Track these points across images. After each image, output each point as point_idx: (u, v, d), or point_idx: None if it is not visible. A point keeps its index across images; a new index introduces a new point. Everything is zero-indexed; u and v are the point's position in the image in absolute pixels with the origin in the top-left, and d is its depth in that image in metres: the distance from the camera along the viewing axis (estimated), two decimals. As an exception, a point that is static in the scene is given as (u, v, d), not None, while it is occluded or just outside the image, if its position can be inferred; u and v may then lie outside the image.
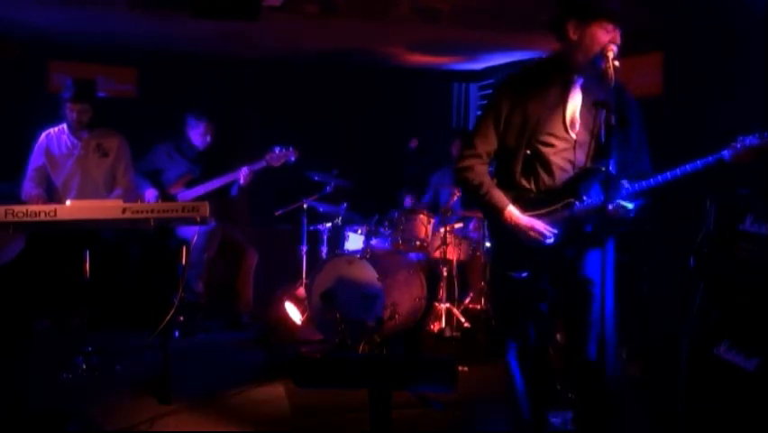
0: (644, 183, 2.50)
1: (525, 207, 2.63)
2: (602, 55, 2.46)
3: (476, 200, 2.74)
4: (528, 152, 2.61)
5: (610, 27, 2.50)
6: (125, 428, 3.33)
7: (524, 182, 2.65)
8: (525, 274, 2.65)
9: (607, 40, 2.48)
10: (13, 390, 3.72)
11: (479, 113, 7.32)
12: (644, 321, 3.80)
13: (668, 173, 2.48)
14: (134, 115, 5.91)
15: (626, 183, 2.54)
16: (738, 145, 2.37)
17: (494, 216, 2.66)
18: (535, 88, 2.63)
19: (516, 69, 2.87)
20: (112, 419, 3.43)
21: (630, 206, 2.51)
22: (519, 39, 5.23)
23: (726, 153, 2.39)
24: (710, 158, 2.43)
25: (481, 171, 2.69)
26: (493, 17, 4.72)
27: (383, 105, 6.97)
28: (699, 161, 2.45)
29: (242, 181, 4.94)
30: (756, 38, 3.73)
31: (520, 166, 2.63)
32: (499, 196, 2.64)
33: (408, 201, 5.78)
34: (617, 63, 2.45)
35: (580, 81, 2.62)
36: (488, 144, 2.69)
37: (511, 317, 2.83)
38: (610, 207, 2.46)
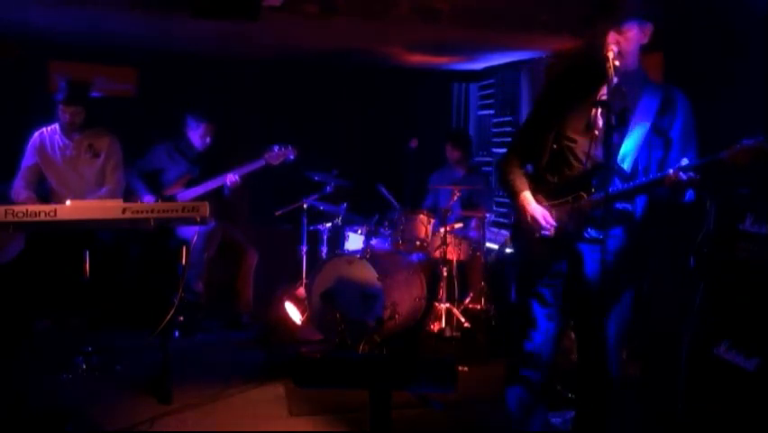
0: (700, 160, 2.50)
1: (545, 197, 2.77)
2: (602, 55, 2.48)
3: (503, 187, 2.97)
4: (555, 146, 2.73)
5: (615, 30, 2.51)
6: (125, 428, 3.34)
7: (548, 176, 2.77)
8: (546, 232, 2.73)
9: (613, 42, 2.50)
10: (13, 390, 3.72)
11: (479, 113, 7.33)
12: (645, 321, 3.79)
13: (671, 169, 2.50)
14: (134, 115, 5.91)
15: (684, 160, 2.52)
16: (737, 146, 2.38)
17: (511, 199, 2.86)
18: (568, 86, 2.78)
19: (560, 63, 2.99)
20: (112, 419, 3.44)
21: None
22: (519, 39, 5.23)
23: (723, 153, 2.41)
24: (708, 157, 2.45)
25: (513, 163, 2.90)
26: (493, 17, 4.72)
27: (383, 105, 6.97)
28: (698, 160, 2.49)
29: (228, 185, 4.94)
30: (756, 38, 3.72)
31: (546, 160, 2.76)
32: (520, 182, 2.83)
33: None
34: (617, 63, 2.47)
35: (614, 81, 2.64)
36: (524, 140, 2.93)
37: (520, 304, 2.87)
38: (684, 176, 2.45)
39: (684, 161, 2.49)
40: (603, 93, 2.65)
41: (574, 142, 2.68)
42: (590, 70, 2.68)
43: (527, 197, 2.77)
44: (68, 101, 4.48)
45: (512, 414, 2.89)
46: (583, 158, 2.66)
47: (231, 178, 4.92)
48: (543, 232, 2.69)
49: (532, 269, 2.83)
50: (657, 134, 2.62)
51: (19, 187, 4.57)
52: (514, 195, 2.81)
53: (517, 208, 2.80)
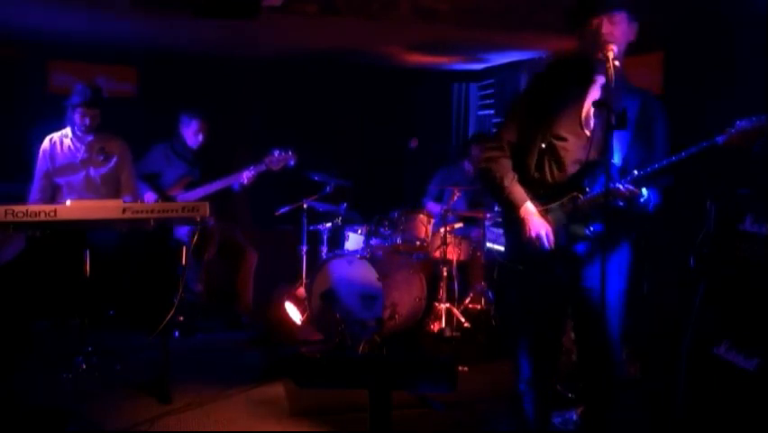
0: (647, 168, 2.49)
1: (534, 200, 2.69)
2: (602, 55, 2.47)
3: (495, 193, 2.79)
4: (543, 145, 2.65)
5: (596, 22, 2.51)
6: (125, 428, 3.34)
7: (536, 176, 2.69)
8: (521, 267, 2.74)
9: (600, 35, 2.49)
10: (13, 390, 3.72)
11: (479, 113, 7.33)
12: (645, 321, 3.79)
13: (666, 159, 2.48)
14: (134, 115, 5.90)
15: (634, 171, 2.54)
16: (732, 130, 2.37)
17: (510, 210, 2.72)
18: (557, 85, 2.72)
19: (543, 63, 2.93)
20: (112, 418, 3.44)
21: (645, 192, 2.49)
22: (519, 39, 5.23)
23: (719, 138, 2.39)
24: (705, 143, 2.42)
25: (505, 165, 2.75)
26: (493, 17, 4.72)
27: (383, 105, 6.97)
28: (693, 147, 2.44)
29: (245, 182, 4.93)
30: (756, 38, 3.72)
31: (534, 160, 2.69)
32: (518, 190, 2.70)
33: (433, 206, 5.68)
34: (617, 63, 2.45)
35: (600, 80, 2.63)
36: (510, 136, 2.76)
37: (524, 311, 2.85)
38: (622, 187, 2.46)
39: (634, 172, 2.50)
40: (596, 92, 2.65)
41: (564, 140, 2.64)
42: (581, 68, 2.67)
43: (529, 209, 2.66)
44: (89, 104, 4.48)
45: (529, 417, 2.86)
46: (575, 158, 2.63)
47: (248, 174, 4.91)
48: (543, 247, 2.64)
49: (532, 268, 2.82)
50: (640, 134, 2.61)
51: (37, 200, 4.55)
52: (514, 206, 2.69)
53: (519, 221, 2.69)
